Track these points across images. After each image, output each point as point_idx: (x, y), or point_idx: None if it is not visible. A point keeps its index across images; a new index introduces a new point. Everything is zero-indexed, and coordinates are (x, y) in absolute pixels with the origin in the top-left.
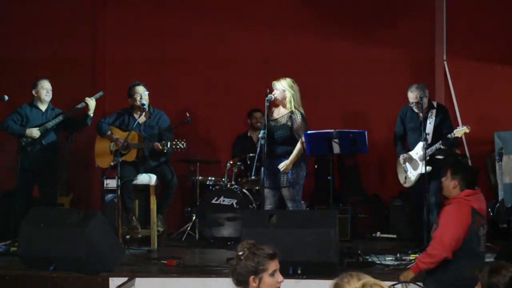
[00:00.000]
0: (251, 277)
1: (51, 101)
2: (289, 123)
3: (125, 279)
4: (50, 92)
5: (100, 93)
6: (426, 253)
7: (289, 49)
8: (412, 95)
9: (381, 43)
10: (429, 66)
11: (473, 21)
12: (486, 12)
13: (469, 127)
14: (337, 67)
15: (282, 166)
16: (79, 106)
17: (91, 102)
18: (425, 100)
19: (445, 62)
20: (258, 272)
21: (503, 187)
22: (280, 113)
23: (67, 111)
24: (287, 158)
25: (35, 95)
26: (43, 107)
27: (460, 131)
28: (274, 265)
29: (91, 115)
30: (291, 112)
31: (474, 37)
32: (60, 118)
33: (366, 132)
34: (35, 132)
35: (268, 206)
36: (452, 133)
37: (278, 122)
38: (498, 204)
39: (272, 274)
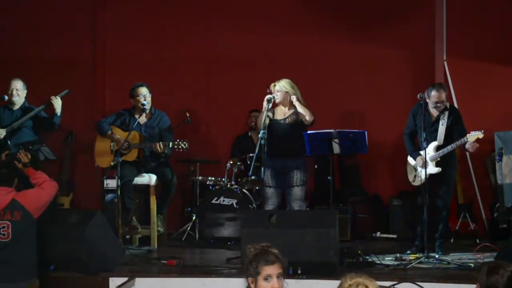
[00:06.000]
0: (249, 279)
1: (27, 98)
2: (298, 120)
3: (125, 279)
4: (19, 92)
5: (66, 91)
6: None
7: (289, 49)
8: (437, 94)
9: (381, 43)
10: (429, 66)
11: (473, 21)
12: (486, 12)
13: (482, 133)
14: (337, 67)
15: None
16: (43, 105)
17: (57, 101)
18: (444, 100)
19: (445, 62)
20: (253, 275)
21: (503, 187)
22: (287, 112)
23: (33, 111)
24: (299, 156)
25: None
26: (15, 107)
27: (473, 136)
28: (268, 270)
29: (59, 114)
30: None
31: (474, 37)
32: (26, 117)
33: (366, 132)
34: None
35: (270, 206)
36: (465, 138)
37: (287, 121)
38: (498, 204)
39: (266, 279)
